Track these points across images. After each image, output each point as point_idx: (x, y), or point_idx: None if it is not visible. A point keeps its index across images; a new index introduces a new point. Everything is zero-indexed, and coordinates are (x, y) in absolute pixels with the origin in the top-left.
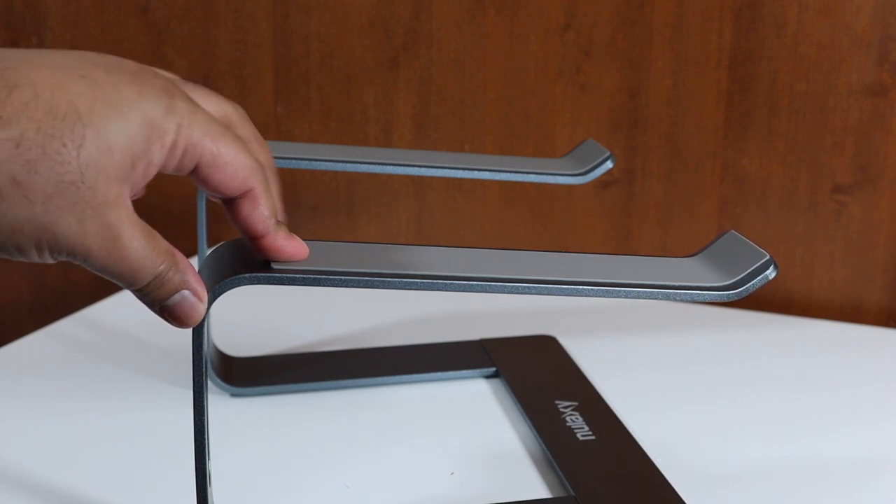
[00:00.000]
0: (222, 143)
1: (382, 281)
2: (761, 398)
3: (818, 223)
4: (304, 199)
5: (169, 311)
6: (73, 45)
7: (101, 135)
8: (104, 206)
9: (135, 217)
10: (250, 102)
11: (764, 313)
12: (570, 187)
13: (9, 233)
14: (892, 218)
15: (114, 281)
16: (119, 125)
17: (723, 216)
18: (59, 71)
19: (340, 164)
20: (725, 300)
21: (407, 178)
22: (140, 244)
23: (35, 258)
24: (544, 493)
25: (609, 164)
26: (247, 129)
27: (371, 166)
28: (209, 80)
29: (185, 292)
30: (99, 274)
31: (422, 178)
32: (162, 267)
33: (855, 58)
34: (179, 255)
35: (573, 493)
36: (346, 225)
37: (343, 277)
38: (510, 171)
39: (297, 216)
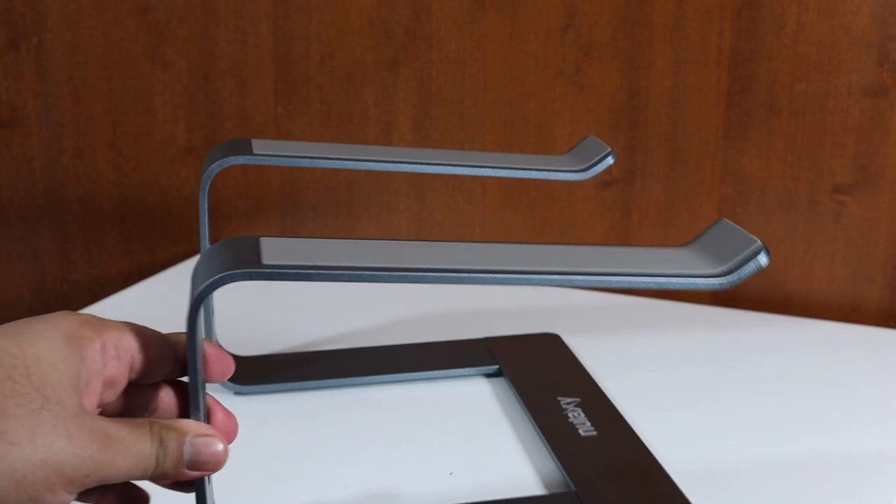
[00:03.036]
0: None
1: (373, 274)
2: (761, 397)
3: (818, 223)
4: (304, 199)
5: (195, 467)
6: (73, 45)
7: (40, 356)
8: (80, 414)
9: (104, 417)
10: (250, 102)
11: (764, 313)
12: (571, 186)
13: (15, 487)
14: (892, 218)
15: (131, 479)
16: (47, 345)
17: (723, 216)
18: None
19: (340, 162)
20: (718, 287)
21: (407, 177)
22: (127, 429)
23: (52, 502)
24: (546, 489)
25: (610, 160)
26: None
27: (372, 164)
28: (209, 81)
29: (188, 439)
30: (122, 481)
31: (422, 178)
32: (156, 429)
33: (855, 58)
34: (156, 420)
35: (574, 489)
36: (346, 225)
37: (334, 272)
38: (511, 168)
39: (297, 216)
